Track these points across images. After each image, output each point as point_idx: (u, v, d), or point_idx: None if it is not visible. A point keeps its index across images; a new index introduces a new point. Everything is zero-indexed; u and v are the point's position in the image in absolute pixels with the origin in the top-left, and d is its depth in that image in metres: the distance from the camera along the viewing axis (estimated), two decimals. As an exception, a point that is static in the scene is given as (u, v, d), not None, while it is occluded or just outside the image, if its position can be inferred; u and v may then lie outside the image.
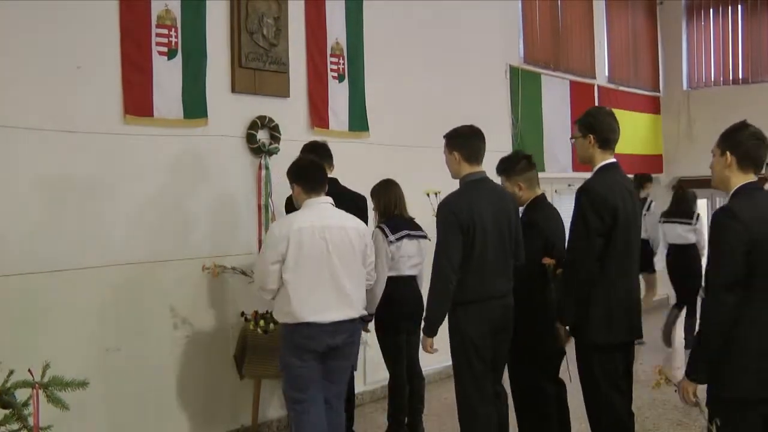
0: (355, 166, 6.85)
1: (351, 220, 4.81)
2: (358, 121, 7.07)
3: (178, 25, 5.64)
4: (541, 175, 9.75)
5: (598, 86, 11.25)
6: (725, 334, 3.45)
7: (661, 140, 12.84)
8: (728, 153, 3.66)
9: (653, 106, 12.82)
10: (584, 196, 4.38)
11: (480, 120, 8.65)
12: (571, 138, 4.76)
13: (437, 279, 4.61)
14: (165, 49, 5.56)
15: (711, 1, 12.70)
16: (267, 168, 6.13)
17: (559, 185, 9.96)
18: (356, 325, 4.83)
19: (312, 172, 4.82)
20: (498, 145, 8.99)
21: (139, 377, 5.37)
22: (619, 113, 11.60)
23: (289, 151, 6.13)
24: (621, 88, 11.85)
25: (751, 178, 3.67)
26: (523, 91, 9.47)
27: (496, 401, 4.82)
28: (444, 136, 4.97)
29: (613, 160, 4.50)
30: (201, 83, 5.78)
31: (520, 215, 5.08)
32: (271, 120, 6.20)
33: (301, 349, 4.62)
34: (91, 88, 5.14)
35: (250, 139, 6.08)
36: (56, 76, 4.97)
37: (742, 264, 3.44)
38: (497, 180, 5.22)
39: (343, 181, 6.28)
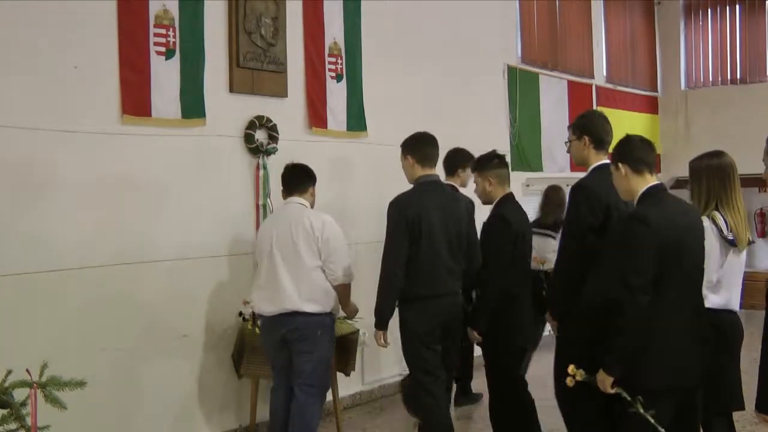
0: (353, 166, 6.88)
1: (307, 219, 5.01)
2: (357, 121, 7.07)
3: (176, 25, 5.64)
4: (539, 174, 9.79)
5: (596, 86, 11.25)
6: (638, 332, 3.65)
7: (658, 140, 12.85)
8: (620, 164, 3.89)
9: (651, 106, 12.83)
10: (579, 192, 4.43)
11: (478, 119, 8.71)
12: (566, 141, 4.82)
13: (384, 274, 4.93)
14: (163, 49, 5.56)
15: (709, 2, 12.71)
16: (265, 168, 6.14)
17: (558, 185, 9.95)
18: (304, 318, 4.98)
19: (288, 175, 5.27)
20: (495, 145, 8.96)
21: (137, 377, 5.37)
22: (616, 113, 11.73)
23: (287, 151, 6.16)
24: (619, 88, 11.86)
25: (652, 180, 3.86)
26: (521, 91, 9.48)
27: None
28: (400, 144, 5.26)
29: (608, 161, 4.49)
30: (199, 83, 5.78)
31: (491, 212, 5.32)
32: (269, 120, 6.20)
33: (263, 338, 5.21)
34: (89, 88, 5.14)
35: (248, 139, 6.08)
36: (53, 75, 4.97)
37: (653, 266, 3.63)
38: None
39: (341, 181, 6.32)
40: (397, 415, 6.23)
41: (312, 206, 5.31)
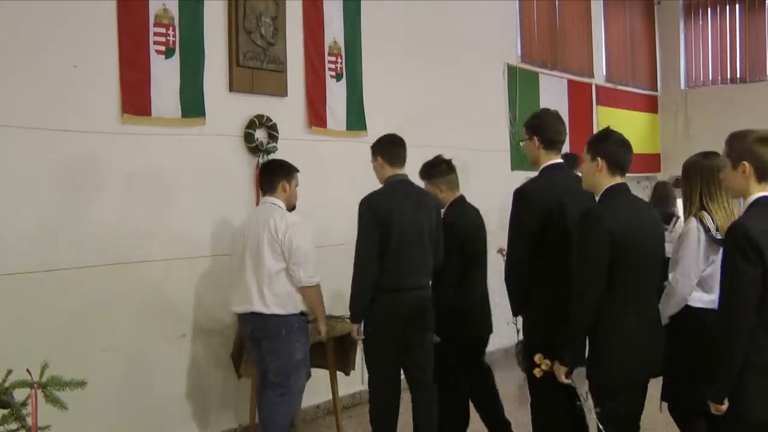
0: (352, 165, 6.86)
1: (272, 220, 5.03)
2: (356, 120, 7.07)
3: (176, 24, 5.64)
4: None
5: (596, 85, 11.25)
6: (588, 325, 3.81)
7: (658, 139, 12.86)
8: (599, 159, 3.95)
9: (651, 105, 12.83)
10: (520, 199, 4.49)
11: (478, 119, 8.71)
12: (521, 141, 4.89)
13: (356, 269, 5.05)
14: (163, 48, 5.56)
15: (708, 1, 12.71)
16: (265, 167, 6.14)
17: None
18: (267, 319, 5.05)
19: (259, 175, 5.41)
20: (496, 144, 9.04)
21: (137, 377, 5.37)
22: (616, 112, 11.71)
23: (286, 150, 6.16)
24: (619, 87, 11.86)
25: (618, 180, 3.97)
26: (521, 90, 9.47)
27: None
28: (370, 147, 5.42)
29: (559, 161, 4.56)
30: (199, 82, 5.78)
31: (442, 216, 5.40)
32: (269, 119, 6.20)
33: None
34: (88, 87, 5.14)
35: (248, 138, 6.08)
36: (53, 75, 4.97)
37: (605, 262, 3.76)
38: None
39: (340, 180, 6.30)
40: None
41: (290, 201, 5.28)
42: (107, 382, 5.07)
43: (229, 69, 6.02)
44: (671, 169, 12.42)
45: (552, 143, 4.54)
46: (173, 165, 5.62)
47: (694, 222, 4.23)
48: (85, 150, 5.11)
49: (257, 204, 6.09)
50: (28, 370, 2.82)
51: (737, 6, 12.44)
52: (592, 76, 11.21)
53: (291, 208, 5.29)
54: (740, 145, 3.52)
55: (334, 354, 6.03)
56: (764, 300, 3.27)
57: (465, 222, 5.42)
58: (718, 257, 4.00)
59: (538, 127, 4.57)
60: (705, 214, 4.21)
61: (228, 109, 5.98)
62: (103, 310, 5.17)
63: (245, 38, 6.08)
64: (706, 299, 4.17)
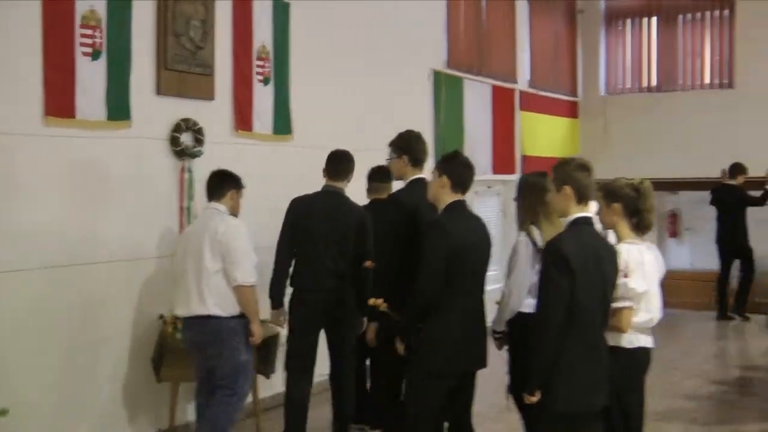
0: (279, 169, 6.92)
1: (214, 224, 5.23)
2: (283, 124, 7.13)
3: (104, 26, 5.59)
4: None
5: (519, 91, 11.47)
6: (421, 318, 4.41)
7: (578, 143, 13.17)
8: (445, 176, 4.50)
9: (572, 110, 13.15)
10: (394, 206, 5.21)
11: (403, 122, 8.73)
12: (387, 159, 5.41)
13: (274, 263, 5.72)
14: (89, 50, 5.51)
15: (628, 12, 13.11)
16: (190, 171, 6.15)
17: (480, 187, 10.17)
18: (209, 322, 5.20)
19: (208, 181, 5.51)
20: (420, 149, 9.16)
21: (59, 382, 5.34)
22: (538, 117, 11.95)
23: (212, 154, 6.18)
24: (541, 92, 12.10)
25: (459, 197, 4.51)
26: (446, 95, 9.62)
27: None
28: None
29: (422, 175, 5.14)
30: (125, 85, 5.74)
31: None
32: (195, 123, 6.21)
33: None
34: (11, 88, 5.06)
35: (174, 141, 6.08)
36: (-26, 75, 4.90)
37: (443, 267, 4.32)
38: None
39: (265, 184, 6.35)
40: (319, 415, 6.32)
41: (234, 210, 5.45)
42: (24, 387, 5.04)
43: (157, 72, 6.00)
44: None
45: (418, 161, 5.20)
46: (97, 168, 5.59)
47: (523, 236, 4.79)
48: (6, 152, 5.03)
49: (181, 207, 6.11)
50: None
51: (654, 18, 12.87)
52: (515, 81, 11.43)
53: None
54: (563, 171, 4.07)
55: (256, 357, 6.09)
56: (572, 308, 3.82)
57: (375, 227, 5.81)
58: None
59: (407, 148, 5.21)
60: (534, 228, 4.77)
61: (155, 112, 5.96)
62: (22, 315, 5.10)
63: (173, 41, 6.07)
64: (532, 304, 4.47)
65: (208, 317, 5.19)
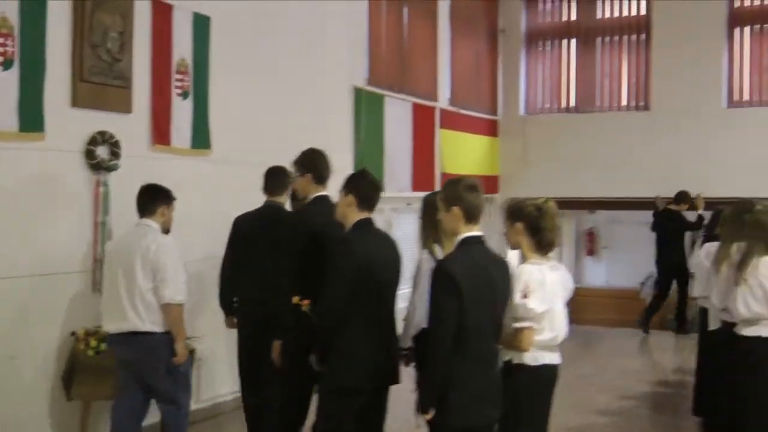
0: (198, 183, 6.85)
1: (144, 241, 5.19)
2: (201, 138, 7.06)
3: (16, 34, 5.47)
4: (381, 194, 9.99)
5: (440, 109, 11.60)
6: (331, 337, 4.44)
7: (498, 162, 13.38)
8: (351, 195, 4.55)
9: (492, 129, 13.33)
10: (295, 222, 5.35)
11: (323, 138, 8.78)
12: (293, 176, 5.50)
13: (219, 278, 6.09)
14: (1, 59, 5.38)
15: (548, 33, 13.39)
16: (106, 185, 6.05)
17: (398, 204, 10.23)
18: (143, 338, 5.17)
19: (137, 197, 5.42)
20: (340, 165, 9.09)
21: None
22: (459, 135, 12.08)
23: (129, 167, 6.10)
24: (462, 111, 12.25)
25: (366, 215, 4.57)
26: (367, 111, 9.66)
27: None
28: None
29: (325, 193, 5.23)
30: (39, 96, 5.62)
31: None
32: (111, 136, 6.11)
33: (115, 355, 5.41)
34: None
35: (89, 154, 5.98)
36: None
37: (350, 283, 4.35)
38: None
39: (185, 198, 6.27)
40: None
41: (166, 225, 5.44)
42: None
43: (73, 83, 5.89)
44: (509, 191, 12.97)
45: (323, 179, 5.27)
46: (9, 181, 5.46)
47: (426, 254, 4.90)
48: None
49: (95, 222, 6.00)
50: None
51: (573, 41, 13.17)
52: (436, 99, 11.56)
53: (166, 232, 5.40)
54: (452, 191, 4.13)
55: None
56: (461, 328, 3.87)
57: None
58: None
59: (311, 165, 5.27)
60: (435, 246, 4.85)
61: (69, 124, 5.85)
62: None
63: (90, 52, 5.96)
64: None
65: (144, 333, 5.16)
